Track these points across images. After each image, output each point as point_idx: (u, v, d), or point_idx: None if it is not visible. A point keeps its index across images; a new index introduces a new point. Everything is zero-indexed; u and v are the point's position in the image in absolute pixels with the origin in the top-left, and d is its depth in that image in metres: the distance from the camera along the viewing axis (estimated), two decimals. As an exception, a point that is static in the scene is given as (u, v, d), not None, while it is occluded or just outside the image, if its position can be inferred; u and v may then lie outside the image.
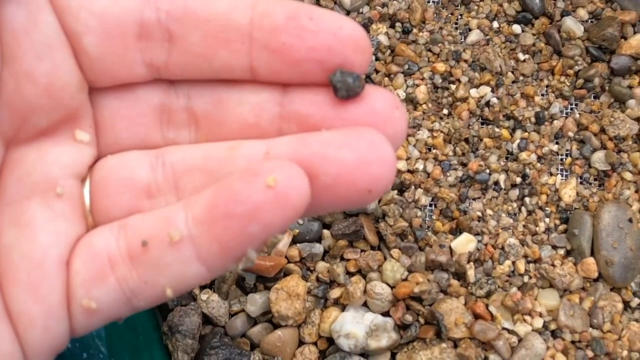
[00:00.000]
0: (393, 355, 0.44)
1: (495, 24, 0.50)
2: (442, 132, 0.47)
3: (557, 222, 0.46)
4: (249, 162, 0.20)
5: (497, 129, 0.47)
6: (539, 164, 0.47)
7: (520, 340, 0.44)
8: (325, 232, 0.46)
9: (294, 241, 0.46)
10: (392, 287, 0.44)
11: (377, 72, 0.49)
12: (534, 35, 0.49)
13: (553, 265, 0.45)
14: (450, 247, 0.45)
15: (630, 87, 0.48)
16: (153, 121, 0.22)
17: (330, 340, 0.45)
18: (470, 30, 0.50)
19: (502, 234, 0.46)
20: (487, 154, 0.47)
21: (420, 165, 0.47)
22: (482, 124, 0.48)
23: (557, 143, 0.48)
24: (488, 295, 0.44)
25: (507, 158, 0.47)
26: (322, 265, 0.46)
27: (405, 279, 0.45)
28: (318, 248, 0.46)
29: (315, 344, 0.45)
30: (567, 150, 0.47)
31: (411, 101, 0.48)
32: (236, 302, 0.45)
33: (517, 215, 0.47)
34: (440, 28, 0.50)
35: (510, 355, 0.43)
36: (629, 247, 0.45)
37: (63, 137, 0.22)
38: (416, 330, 0.43)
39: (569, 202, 0.46)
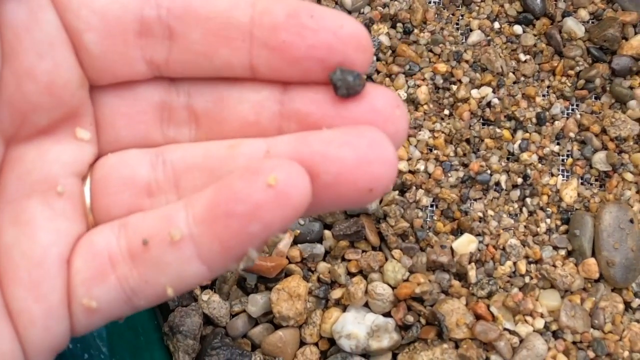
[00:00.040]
0: (394, 356, 0.44)
1: (497, 25, 0.50)
2: (443, 132, 0.47)
3: (558, 222, 0.46)
4: (250, 160, 0.20)
5: (498, 130, 0.47)
6: (540, 165, 0.47)
7: (521, 340, 0.44)
8: (327, 232, 0.46)
9: (295, 242, 0.46)
10: (393, 288, 0.44)
11: (378, 72, 0.49)
12: (535, 35, 0.49)
13: (554, 265, 0.45)
14: (451, 248, 0.45)
15: (631, 87, 0.48)
16: (153, 119, 0.22)
17: (332, 341, 0.45)
18: (471, 30, 0.50)
19: (503, 234, 0.46)
20: (488, 155, 0.47)
21: (421, 166, 0.47)
22: (483, 124, 0.48)
23: (558, 144, 0.48)
24: (489, 295, 0.44)
25: (508, 159, 0.47)
26: (323, 266, 0.46)
27: (407, 280, 0.45)
28: (319, 248, 0.46)
29: (316, 344, 0.45)
30: (568, 150, 0.47)
31: (412, 102, 0.48)
32: (237, 303, 0.45)
33: (518, 215, 0.47)
34: (442, 28, 0.50)
35: (511, 356, 0.43)
36: (630, 247, 0.45)
37: (64, 135, 0.22)
38: (417, 331, 0.43)
39: (570, 202, 0.46)
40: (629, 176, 0.47)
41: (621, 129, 0.46)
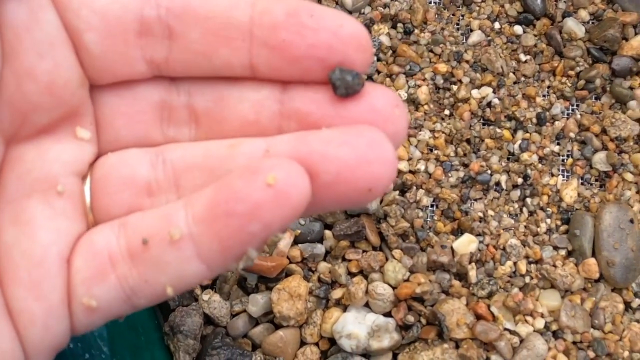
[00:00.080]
0: (395, 356, 0.44)
1: (497, 25, 0.50)
2: (443, 132, 0.47)
3: (559, 222, 0.47)
4: (249, 159, 0.20)
5: (498, 130, 0.47)
6: (540, 165, 0.47)
7: (521, 340, 0.44)
8: (327, 232, 0.46)
9: (296, 241, 0.46)
10: (393, 288, 0.44)
11: (378, 72, 0.49)
12: (535, 36, 0.49)
13: (554, 265, 0.45)
14: (451, 248, 0.45)
15: (631, 88, 0.48)
16: (153, 118, 0.22)
17: (332, 341, 0.45)
18: (471, 31, 0.50)
19: (504, 234, 0.46)
20: (489, 155, 0.47)
21: (421, 166, 0.47)
22: (484, 124, 0.48)
23: (558, 144, 0.48)
24: (489, 295, 0.44)
25: (508, 159, 0.47)
26: (323, 266, 0.46)
27: (407, 280, 0.45)
28: (320, 248, 0.46)
29: (316, 344, 0.45)
30: (568, 151, 0.48)
31: (413, 102, 0.48)
32: (238, 303, 0.45)
33: (518, 215, 0.47)
34: (442, 29, 0.50)
35: (512, 356, 0.43)
36: (630, 247, 0.45)
37: (64, 134, 0.22)
38: (418, 331, 0.43)
39: (570, 202, 0.46)
40: (629, 176, 0.47)
41: (621, 129, 0.47)
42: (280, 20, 0.20)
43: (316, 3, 0.20)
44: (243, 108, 0.21)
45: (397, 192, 0.46)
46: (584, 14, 0.49)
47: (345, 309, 0.45)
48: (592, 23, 0.49)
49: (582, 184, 0.47)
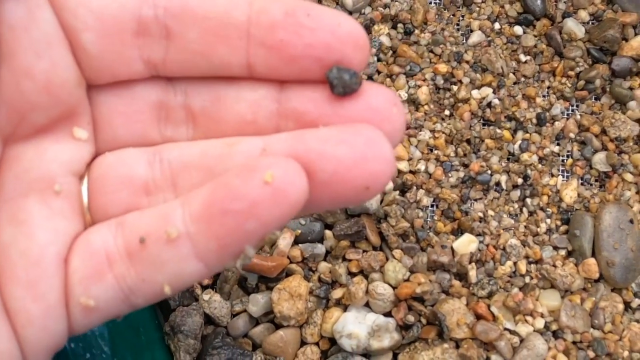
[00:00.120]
0: (395, 356, 0.44)
1: (497, 26, 0.50)
2: (443, 133, 0.47)
3: (558, 223, 0.47)
4: (247, 158, 0.20)
5: (498, 130, 0.47)
6: (540, 165, 0.47)
7: (521, 340, 0.44)
8: (327, 232, 0.46)
9: (296, 241, 0.46)
10: (394, 288, 0.44)
11: (379, 73, 0.49)
12: (535, 36, 0.49)
13: (554, 265, 0.45)
14: (452, 248, 0.45)
15: (631, 88, 0.48)
16: (151, 118, 0.22)
17: (332, 341, 0.45)
18: (471, 31, 0.50)
19: (504, 234, 0.46)
20: (489, 155, 0.47)
21: (422, 166, 0.47)
22: (484, 125, 0.48)
23: (558, 144, 0.48)
24: (490, 295, 0.44)
25: (508, 159, 0.48)
26: (324, 266, 0.46)
27: (407, 280, 0.45)
28: (320, 248, 0.46)
29: (317, 344, 0.45)
30: (568, 151, 0.48)
31: (413, 102, 0.48)
32: (238, 303, 0.45)
33: (518, 216, 0.47)
34: (442, 29, 0.50)
35: (512, 356, 0.43)
36: (629, 248, 0.45)
37: (61, 134, 0.22)
38: (418, 331, 0.44)
39: (570, 203, 0.46)
40: (628, 177, 0.47)
41: (621, 130, 0.47)
42: (278, 19, 0.20)
43: (315, 3, 0.20)
44: (240, 108, 0.21)
45: (398, 192, 0.46)
46: (583, 14, 0.49)
47: (345, 308, 0.45)
48: (592, 23, 0.50)
49: (582, 184, 0.47)
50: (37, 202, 0.21)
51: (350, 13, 0.50)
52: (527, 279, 0.45)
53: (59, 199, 0.21)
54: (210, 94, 0.21)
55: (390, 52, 0.49)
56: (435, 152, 0.47)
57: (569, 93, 0.48)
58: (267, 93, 0.21)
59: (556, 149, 0.47)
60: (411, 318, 0.44)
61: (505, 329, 0.44)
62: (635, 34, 0.49)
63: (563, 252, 0.46)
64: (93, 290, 0.20)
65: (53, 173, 0.21)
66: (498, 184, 0.47)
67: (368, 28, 0.49)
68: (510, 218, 0.47)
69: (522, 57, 0.49)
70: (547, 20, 0.49)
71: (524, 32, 0.49)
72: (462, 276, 0.45)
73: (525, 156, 0.47)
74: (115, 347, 0.39)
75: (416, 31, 0.49)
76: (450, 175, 0.47)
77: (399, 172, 0.47)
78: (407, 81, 0.49)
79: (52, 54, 0.20)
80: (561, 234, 0.46)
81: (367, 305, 0.45)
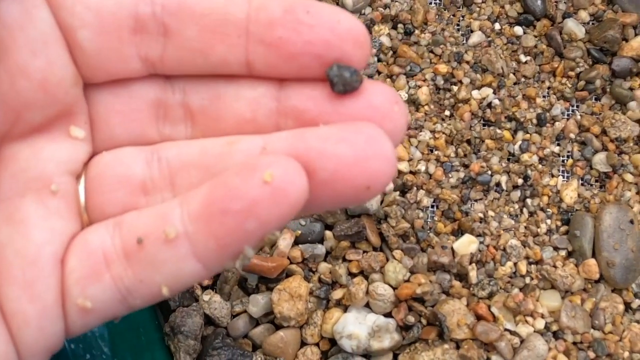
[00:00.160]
0: (395, 356, 0.44)
1: (497, 26, 0.50)
2: (444, 133, 0.47)
3: (559, 223, 0.47)
4: (246, 157, 0.20)
5: (498, 131, 0.47)
6: (540, 166, 0.47)
7: (522, 341, 0.44)
8: (328, 233, 0.46)
9: (296, 242, 0.46)
10: (394, 288, 0.44)
11: (379, 73, 0.49)
12: (535, 37, 0.49)
13: (554, 266, 0.45)
14: (452, 249, 0.45)
15: (631, 89, 0.48)
16: (149, 117, 0.22)
17: (333, 341, 0.45)
18: (472, 31, 0.50)
19: (504, 235, 0.46)
20: (489, 156, 0.47)
21: (422, 167, 0.47)
22: (484, 125, 0.48)
23: (558, 144, 0.48)
24: (490, 296, 0.44)
25: (508, 159, 0.48)
26: (324, 266, 0.46)
27: (408, 280, 0.45)
28: (320, 249, 0.46)
29: (317, 344, 0.45)
30: (568, 151, 0.48)
31: (413, 102, 0.48)
32: (238, 303, 0.45)
33: (518, 216, 0.47)
34: (442, 29, 0.50)
35: (512, 357, 0.43)
36: (630, 248, 0.45)
37: (58, 133, 0.21)
38: (418, 331, 0.43)
39: (570, 203, 0.46)
40: (629, 177, 0.47)
41: (621, 130, 0.47)
42: (277, 16, 0.19)
43: (314, 0, 0.20)
44: (239, 106, 0.21)
45: (398, 192, 0.46)
46: (584, 14, 0.49)
47: (345, 309, 0.45)
48: (592, 24, 0.50)
49: (582, 184, 0.47)
50: (34, 202, 0.21)
51: (351, 13, 0.49)
52: (528, 280, 0.45)
53: (55, 199, 0.21)
54: (209, 92, 0.21)
55: (391, 52, 0.49)
56: (436, 152, 0.47)
57: (569, 93, 0.48)
58: (266, 91, 0.21)
59: (556, 149, 0.47)
60: (411, 319, 0.44)
61: (506, 329, 0.44)
62: (636, 35, 0.49)
63: (563, 253, 0.46)
64: (90, 291, 0.20)
65: (50, 172, 0.21)
66: (498, 184, 0.47)
67: (368, 28, 0.49)
68: (510, 218, 0.47)
69: (523, 58, 0.49)
70: (548, 21, 0.49)
71: (524, 33, 0.49)
72: (462, 277, 0.45)
73: (525, 157, 0.47)
74: (115, 347, 0.39)
75: (416, 31, 0.49)
76: (450, 175, 0.47)
77: (399, 172, 0.47)
78: (408, 81, 0.48)
79: (49, 52, 0.20)
80: (561, 234, 0.46)
81: (367, 305, 0.45)
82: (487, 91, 0.48)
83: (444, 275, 0.45)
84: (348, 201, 0.19)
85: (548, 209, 0.47)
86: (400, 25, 0.50)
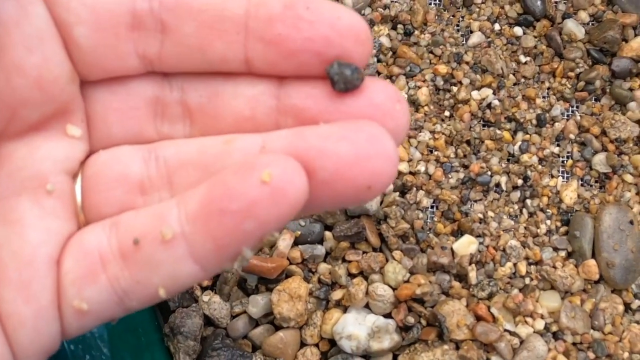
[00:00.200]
0: (395, 357, 0.44)
1: (497, 26, 0.50)
2: (443, 134, 0.47)
3: (558, 224, 0.47)
4: (245, 156, 0.20)
5: (498, 131, 0.47)
6: (540, 166, 0.47)
7: (521, 342, 0.44)
8: (327, 233, 0.46)
9: (296, 243, 0.46)
10: (394, 289, 0.44)
11: (379, 74, 0.49)
12: (535, 37, 0.49)
13: (554, 267, 0.45)
14: (451, 249, 0.45)
15: (631, 89, 0.48)
16: (146, 115, 0.22)
17: (332, 342, 0.45)
18: (471, 32, 0.50)
19: (504, 235, 0.46)
20: (489, 156, 0.47)
21: (421, 167, 0.47)
22: (484, 126, 0.48)
23: (558, 145, 0.48)
24: (490, 297, 0.44)
25: (508, 160, 0.47)
26: (323, 267, 0.46)
27: (407, 281, 0.45)
28: (320, 250, 0.46)
29: (317, 345, 0.45)
30: (568, 152, 0.48)
31: (413, 103, 0.48)
32: (238, 304, 0.45)
33: (518, 217, 0.47)
34: (442, 30, 0.50)
35: (512, 357, 0.43)
36: (629, 249, 0.45)
37: (54, 131, 0.21)
38: (418, 332, 0.43)
39: (570, 204, 0.46)
40: (628, 178, 0.47)
41: (621, 131, 0.47)
42: (276, 12, 0.19)
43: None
44: (238, 104, 0.21)
45: (397, 193, 0.46)
46: (583, 15, 0.49)
47: (345, 310, 0.45)
48: (592, 24, 0.50)
49: (582, 185, 0.47)
50: (30, 202, 0.21)
51: (350, 13, 0.50)
52: (527, 280, 0.45)
53: (51, 199, 0.21)
54: (207, 90, 0.21)
55: (390, 53, 0.49)
56: (435, 153, 0.47)
57: (569, 94, 0.48)
58: (265, 89, 0.20)
59: (556, 150, 0.47)
60: (411, 319, 0.44)
61: (505, 330, 0.44)
62: (635, 35, 0.49)
63: (563, 253, 0.46)
64: (86, 292, 0.20)
65: (46, 172, 0.21)
66: (498, 185, 0.47)
67: (368, 29, 0.49)
68: (510, 219, 0.46)
69: (522, 58, 0.49)
70: (547, 21, 0.49)
71: (524, 33, 0.49)
72: (462, 277, 0.45)
73: (525, 157, 0.47)
74: (114, 348, 0.38)
75: (416, 32, 0.49)
76: (450, 176, 0.47)
77: (399, 173, 0.47)
78: (407, 82, 0.48)
79: (44, 49, 0.20)
80: (561, 235, 0.46)
81: (367, 306, 0.45)
82: (487, 92, 0.48)
83: (443, 276, 0.45)
84: (349, 201, 0.19)
85: (548, 210, 0.47)
86: (399, 26, 0.50)
